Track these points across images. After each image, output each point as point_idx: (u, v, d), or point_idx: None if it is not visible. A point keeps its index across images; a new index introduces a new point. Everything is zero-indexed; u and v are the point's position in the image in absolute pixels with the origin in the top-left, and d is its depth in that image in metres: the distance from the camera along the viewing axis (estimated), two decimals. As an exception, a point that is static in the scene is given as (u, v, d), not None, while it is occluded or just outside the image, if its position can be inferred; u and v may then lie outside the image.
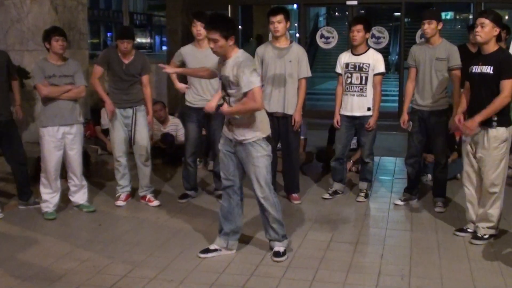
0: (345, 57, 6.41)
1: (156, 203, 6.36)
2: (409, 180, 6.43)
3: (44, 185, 5.94)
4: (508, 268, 4.61)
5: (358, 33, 6.21)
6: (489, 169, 5.07)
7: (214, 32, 4.45)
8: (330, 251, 5.03)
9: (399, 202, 6.39)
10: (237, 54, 4.58)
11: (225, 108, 4.60)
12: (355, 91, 6.31)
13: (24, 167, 6.18)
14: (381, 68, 6.33)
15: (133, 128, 6.26)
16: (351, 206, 6.37)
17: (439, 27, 5.95)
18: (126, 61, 6.15)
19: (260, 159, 4.66)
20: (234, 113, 4.60)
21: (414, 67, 6.13)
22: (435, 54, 5.95)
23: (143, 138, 6.31)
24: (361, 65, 6.25)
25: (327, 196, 6.61)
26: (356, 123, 6.42)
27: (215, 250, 4.90)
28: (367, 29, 6.28)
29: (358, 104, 6.31)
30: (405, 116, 6.17)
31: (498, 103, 4.91)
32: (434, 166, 6.37)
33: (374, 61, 6.27)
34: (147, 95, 6.35)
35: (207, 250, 4.90)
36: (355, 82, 6.30)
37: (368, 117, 6.32)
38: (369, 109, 6.31)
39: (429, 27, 5.90)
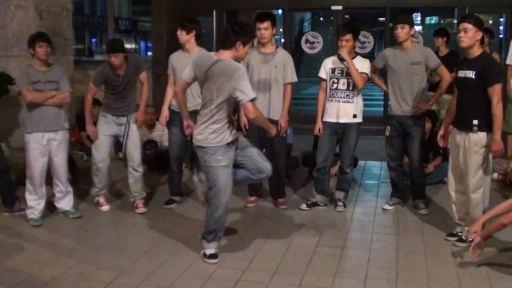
0: (331, 62, 6.25)
1: (141, 210, 6.31)
2: (394, 184, 6.44)
3: (30, 192, 5.90)
4: (495, 272, 4.63)
5: (347, 42, 6.03)
6: (469, 174, 5.08)
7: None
8: (316, 256, 5.03)
9: (388, 207, 6.38)
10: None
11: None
12: (341, 97, 6.15)
13: (6, 174, 6.13)
14: (366, 69, 6.11)
15: (125, 137, 6.25)
16: (337, 211, 6.36)
17: (412, 32, 6.01)
18: (121, 72, 6.13)
19: None
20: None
21: (378, 67, 6.33)
22: (409, 59, 5.98)
23: (135, 144, 6.30)
24: (349, 70, 6.10)
25: (304, 207, 6.38)
26: (339, 131, 6.23)
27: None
28: (356, 37, 6.14)
29: (344, 110, 6.15)
30: (382, 86, 6.48)
31: (497, 111, 4.88)
32: (410, 169, 6.38)
33: (361, 65, 6.10)
34: (143, 93, 6.33)
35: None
36: (341, 88, 6.15)
37: (352, 124, 6.17)
38: (355, 116, 6.16)
39: (402, 31, 5.95)
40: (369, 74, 6.20)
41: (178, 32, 6.18)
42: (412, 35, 6.06)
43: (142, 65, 6.38)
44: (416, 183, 6.32)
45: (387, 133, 6.22)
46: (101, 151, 6.28)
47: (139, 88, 6.38)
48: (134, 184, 6.38)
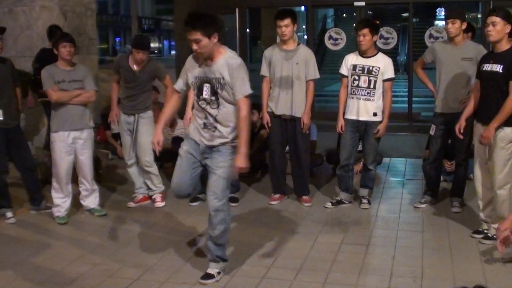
0: (352, 59, 6.18)
1: (159, 204, 6.42)
2: (430, 183, 6.35)
3: (56, 190, 5.97)
4: (521, 268, 4.58)
5: (364, 37, 5.99)
6: (496, 170, 5.03)
7: (194, 32, 4.13)
8: (341, 253, 5.02)
9: (420, 205, 6.29)
10: (228, 54, 4.29)
11: (242, 159, 4.22)
12: (361, 94, 6.08)
13: (33, 173, 6.22)
14: (391, 73, 6.13)
15: (134, 135, 6.32)
16: (362, 209, 6.34)
17: (463, 26, 5.88)
18: (137, 68, 6.20)
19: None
20: (247, 141, 4.28)
21: (427, 62, 6.19)
22: (460, 54, 5.86)
23: (144, 143, 6.30)
24: (370, 68, 6.05)
25: (329, 205, 6.36)
26: (361, 129, 6.19)
27: None
28: (374, 31, 6.08)
29: (364, 108, 6.09)
30: (428, 85, 6.26)
31: (509, 105, 4.84)
32: (456, 166, 6.29)
33: (384, 65, 6.07)
34: (167, 95, 6.26)
35: None
36: (362, 85, 6.08)
37: (374, 122, 6.12)
38: (375, 114, 6.10)
39: (453, 26, 5.83)
40: (394, 78, 6.21)
41: None
42: (463, 30, 5.92)
43: (162, 72, 6.39)
44: (458, 180, 6.20)
45: (431, 132, 6.11)
46: (126, 151, 6.42)
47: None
48: (149, 181, 6.49)
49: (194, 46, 4.19)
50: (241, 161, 4.24)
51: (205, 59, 4.30)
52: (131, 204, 6.47)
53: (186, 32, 4.22)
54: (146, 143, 6.30)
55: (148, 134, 6.26)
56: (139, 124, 6.30)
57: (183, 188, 4.50)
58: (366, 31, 6.00)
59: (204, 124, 4.37)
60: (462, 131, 5.40)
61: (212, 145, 4.37)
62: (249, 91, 4.25)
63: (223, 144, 4.35)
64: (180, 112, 9.56)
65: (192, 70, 4.41)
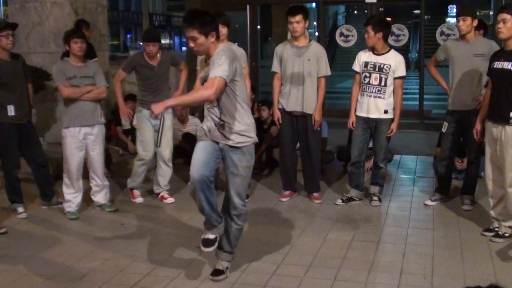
0: (364, 56, 6.17)
1: (170, 200, 6.47)
2: (441, 180, 6.33)
3: (67, 185, 5.99)
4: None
5: (367, 34, 6.04)
6: (506, 168, 5.00)
7: (191, 30, 4.05)
8: (351, 250, 5.01)
9: (430, 203, 6.28)
10: (220, 48, 4.15)
11: (160, 105, 4.14)
12: (372, 91, 6.08)
13: (44, 168, 6.25)
14: (402, 71, 6.12)
15: (160, 131, 6.32)
16: (372, 206, 6.32)
17: (474, 23, 5.85)
18: (154, 63, 6.24)
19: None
20: (181, 103, 4.36)
21: (439, 60, 6.14)
22: (472, 50, 5.82)
23: (167, 141, 6.41)
24: (382, 65, 6.04)
25: (339, 202, 6.34)
26: (371, 126, 6.18)
27: None
28: (378, 28, 6.02)
29: (374, 105, 6.08)
30: (441, 83, 6.16)
31: None
32: (467, 164, 6.26)
33: (396, 63, 6.05)
34: (183, 75, 6.61)
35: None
36: (373, 83, 6.07)
37: (384, 120, 6.11)
38: (386, 111, 6.09)
39: (464, 23, 5.80)
40: (405, 76, 6.20)
41: (220, 28, 6.11)
42: (474, 27, 5.89)
43: (178, 57, 6.71)
44: (470, 178, 6.16)
45: (443, 130, 6.09)
46: (149, 148, 6.39)
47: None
48: (163, 178, 6.51)
49: (191, 44, 4.16)
50: (157, 107, 4.13)
51: (206, 59, 4.28)
52: (139, 200, 6.52)
53: (184, 29, 4.20)
54: (170, 138, 6.48)
55: (171, 130, 6.46)
56: (165, 119, 6.33)
57: (205, 169, 4.27)
58: (368, 28, 6.04)
59: (214, 124, 4.31)
60: (479, 135, 5.39)
61: (228, 144, 4.25)
62: (217, 74, 3.96)
63: (243, 144, 4.26)
64: (191, 109, 9.58)
65: (200, 71, 4.43)
